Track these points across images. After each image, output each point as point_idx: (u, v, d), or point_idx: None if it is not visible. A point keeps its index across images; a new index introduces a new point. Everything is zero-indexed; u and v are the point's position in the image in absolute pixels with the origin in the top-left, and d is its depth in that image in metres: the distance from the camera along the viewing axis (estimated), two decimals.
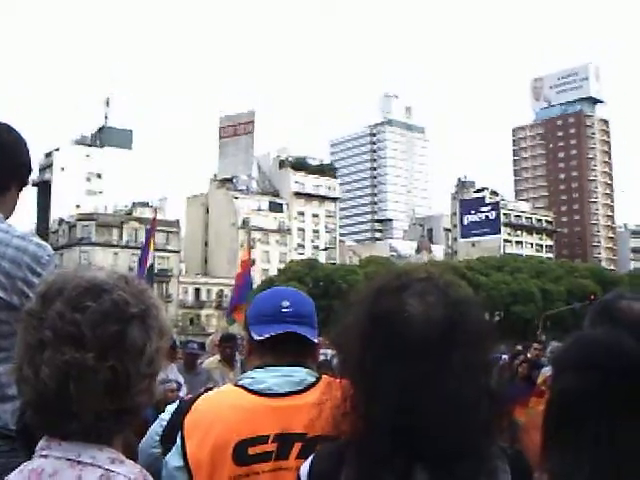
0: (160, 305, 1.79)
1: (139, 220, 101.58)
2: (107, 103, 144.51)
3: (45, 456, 1.65)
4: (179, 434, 2.49)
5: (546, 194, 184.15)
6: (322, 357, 3.01)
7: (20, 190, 3.09)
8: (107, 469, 1.63)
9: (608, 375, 2.31)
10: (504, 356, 13.24)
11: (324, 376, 2.40)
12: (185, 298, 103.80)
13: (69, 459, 1.63)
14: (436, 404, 1.79)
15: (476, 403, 1.86)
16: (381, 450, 1.83)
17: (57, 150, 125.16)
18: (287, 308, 2.64)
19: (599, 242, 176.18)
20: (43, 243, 2.99)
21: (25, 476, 1.65)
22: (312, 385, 2.53)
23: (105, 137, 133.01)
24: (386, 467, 1.80)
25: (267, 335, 2.59)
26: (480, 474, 1.85)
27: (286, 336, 2.58)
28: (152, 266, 13.75)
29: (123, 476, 1.64)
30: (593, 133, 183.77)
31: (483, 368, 1.91)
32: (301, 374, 2.57)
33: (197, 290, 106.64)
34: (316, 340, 2.65)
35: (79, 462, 1.63)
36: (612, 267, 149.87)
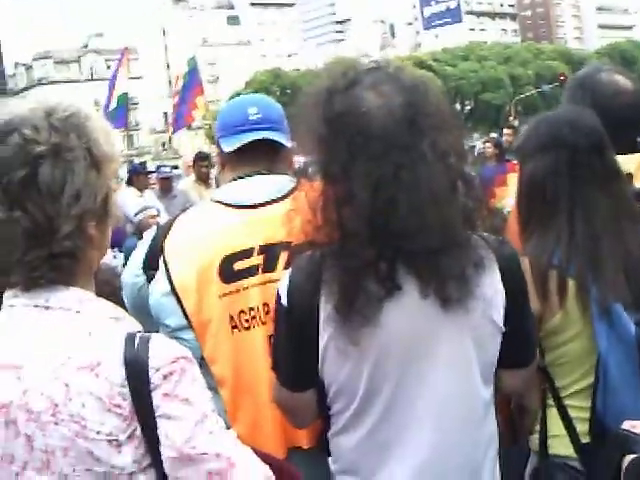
0: (100, 130, 1.61)
1: (97, 52, 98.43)
2: None
3: (12, 306, 1.58)
4: (161, 259, 2.36)
5: None
6: (297, 165, 2.92)
7: None
8: (77, 311, 1.55)
9: (575, 150, 2.36)
10: (479, 144, 13.23)
11: (302, 181, 2.35)
12: (154, 124, 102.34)
13: (37, 305, 1.55)
14: (412, 196, 1.70)
15: (452, 189, 1.77)
16: (362, 257, 1.72)
17: None
18: (255, 115, 2.48)
19: (564, 21, 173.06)
20: None
21: None
22: (291, 192, 2.32)
23: None
24: (369, 274, 1.73)
25: (238, 145, 2.45)
26: (466, 266, 1.75)
27: (258, 144, 2.44)
28: (126, 94, 13.64)
29: (93, 315, 1.57)
30: None
31: (454, 152, 1.80)
32: (278, 181, 2.43)
33: (165, 114, 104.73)
34: (289, 145, 2.49)
35: (47, 307, 1.55)
36: (579, 46, 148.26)
